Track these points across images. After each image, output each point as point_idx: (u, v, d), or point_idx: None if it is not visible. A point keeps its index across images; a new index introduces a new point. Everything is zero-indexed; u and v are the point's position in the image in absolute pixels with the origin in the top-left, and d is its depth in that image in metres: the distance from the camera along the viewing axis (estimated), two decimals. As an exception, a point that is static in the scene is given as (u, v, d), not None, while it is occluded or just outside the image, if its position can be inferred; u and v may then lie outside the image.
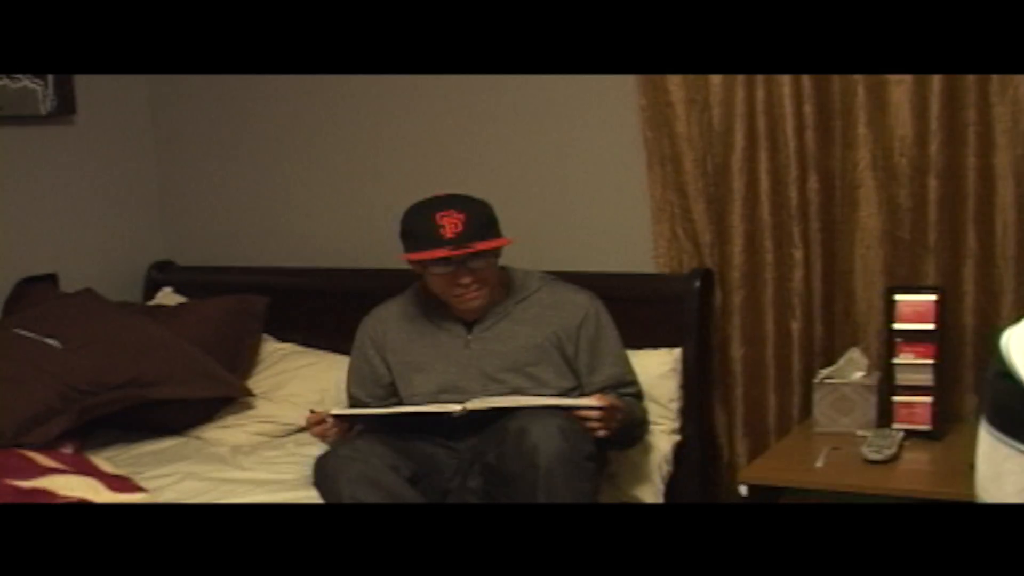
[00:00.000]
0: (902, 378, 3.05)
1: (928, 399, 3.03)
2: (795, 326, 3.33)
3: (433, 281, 2.99)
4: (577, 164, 3.61)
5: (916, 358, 3.03)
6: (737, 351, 3.40)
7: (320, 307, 3.88)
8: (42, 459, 2.95)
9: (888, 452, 2.89)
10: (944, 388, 3.08)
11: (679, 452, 3.31)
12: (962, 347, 3.15)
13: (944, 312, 3.04)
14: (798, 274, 3.30)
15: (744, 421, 3.43)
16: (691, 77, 3.32)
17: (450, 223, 2.89)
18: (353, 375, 3.18)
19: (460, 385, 2.98)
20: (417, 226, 2.95)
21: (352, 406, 3.14)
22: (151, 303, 4.05)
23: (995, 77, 3.02)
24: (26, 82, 3.80)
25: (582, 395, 3.00)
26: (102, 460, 3.11)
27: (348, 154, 3.98)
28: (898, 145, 3.15)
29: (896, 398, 3.06)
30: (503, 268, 3.07)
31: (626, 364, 3.09)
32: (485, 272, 2.96)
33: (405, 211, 3.01)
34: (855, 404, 3.11)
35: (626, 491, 3.20)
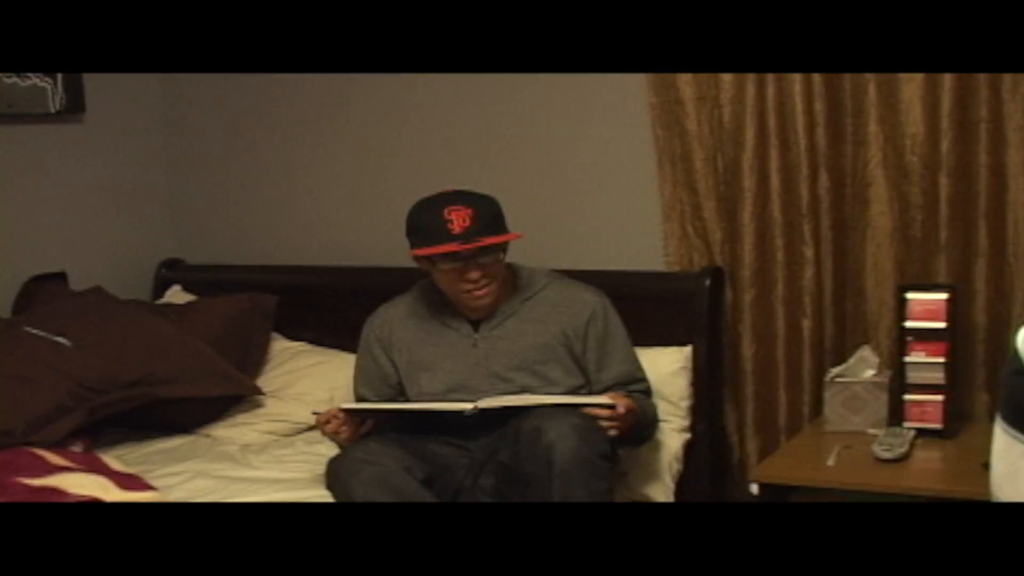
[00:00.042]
0: (913, 376, 3.04)
1: (939, 397, 3.02)
2: (806, 324, 3.32)
3: (441, 277, 2.98)
4: (587, 162, 3.61)
5: (927, 356, 3.02)
6: (748, 349, 3.40)
7: (330, 305, 3.87)
8: (52, 457, 2.95)
9: (900, 451, 2.88)
10: (956, 386, 3.07)
11: (690, 450, 3.31)
12: (973, 345, 3.14)
13: (955, 310, 3.03)
14: (809, 272, 3.29)
15: (755, 419, 3.42)
16: (702, 75, 3.32)
17: (458, 218, 2.88)
18: (360, 375, 3.17)
19: (468, 384, 2.97)
20: (425, 221, 2.94)
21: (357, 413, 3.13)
22: (160, 301, 4.05)
23: (1007, 74, 3.01)
24: (36, 80, 3.81)
25: (591, 393, 2.99)
26: (112, 458, 3.11)
27: (358, 152, 3.98)
28: (909, 143, 3.14)
29: (907, 396, 3.05)
30: (509, 265, 3.06)
31: (634, 361, 3.08)
32: (493, 267, 2.95)
33: (411, 207, 3.00)
34: (866, 402, 3.10)
35: (637, 489, 3.19)
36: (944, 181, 3.11)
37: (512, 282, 3.07)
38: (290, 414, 3.56)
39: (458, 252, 2.89)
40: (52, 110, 3.87)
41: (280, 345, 3.85)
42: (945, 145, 3.09)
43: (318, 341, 3.85)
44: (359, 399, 3.15)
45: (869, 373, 3.14)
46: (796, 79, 3.21)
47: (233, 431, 3.51)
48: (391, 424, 2.97)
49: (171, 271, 4.20)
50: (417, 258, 2.98)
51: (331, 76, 3.81)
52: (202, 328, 3.64)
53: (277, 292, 3.85)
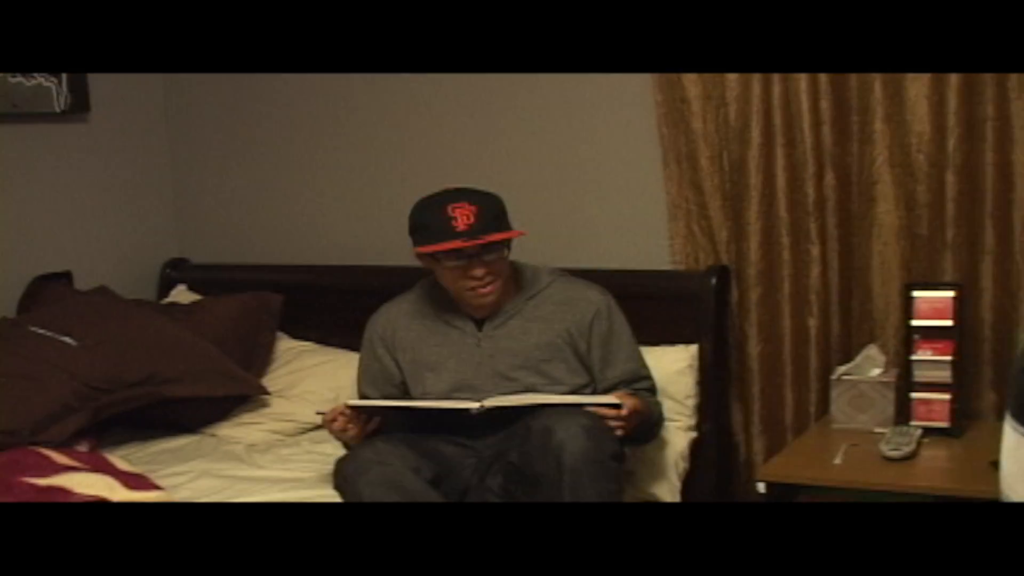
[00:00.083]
0: (920, 375, 3.03)
1: (946, 396, 3.02)
2: (812, 323, 3.31)
3: (445, 275, 2.97)
4: (593, 161, 3.60)
5: (934, 355, 3.01)
6: (754, 348, 3.39)
7: (335, 304, 3.87)
8: (58, 457, 2.95)
9: (907, 449, 2.88)
10: (962, 385, 3.07)
11: (696, 449, 3.30)
12: (980, 343, 3.14)
13: (962, 308, 3.03)
14: (815, 271, 3.29)
15: (761, 418, 3.42)
16: (707, 74, 3.31)
17: (462, 215, 2.87)
18: (364, 375, 3.16)
19: (473, 383, 2.97)
20: (428, 219, 2.93)
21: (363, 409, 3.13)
22: (165, 301, 4.05)
23: (1014, 73, 3.00)
24: (40, 80, 3.80)
25: (595, 391, 2.99)
26: (118, 458, 3.11)
27: (363, 151, 3.97)
28: (915, 141, 3.14)
29: (914, 395, 3.04)
30: (512, 264, 3.05)
31: (639, 358, 3.07)
32: (498, 265, 2.94)
33: (414, 205, 2.99)
34: (873, 401, 3.10)
35: (643, 488, 3.19)
36: (951, 179, 3.10)
37: (515, 281, 3.06)
38: (295, 413, 3.56)
39: (463, 249, 2.88)
40: (57, 110, 3.87)
41: (285, 344, 3.85)
42: (951, 143, 3.08)
43: (323, 340, 3.85)
44: (363, 399, 3.14)
45: (876, 372, 3.13)
46: (802, 77, 3.20)
47: (238, 430, 3.52)
48: (397, 422, 2.96)
49: (176, 271, 4.20)
50: (420, 256, 2.98)
51: (335, 76, 3.81)
52: (207, 327, 3.64)
53: (282, 291, 3.85)
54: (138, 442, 3.42)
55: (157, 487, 2.89)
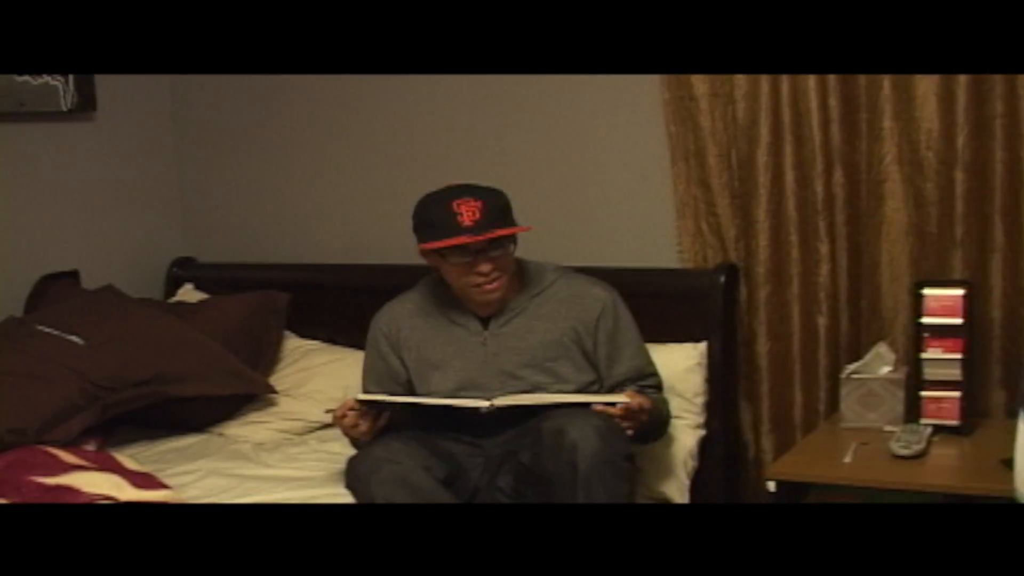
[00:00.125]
0: (930, 373, 3.02)
1: (956, 394, 3.00)
2: (821, 321, 3.31)
3: (450, 271, 2.95)
4: (601, 159, 3.59)
5: (944, 353, 3.00)
6: (763, 346, 3.38)
7: (343, 303, 3.86)
8: (66, 456, 2.95)
9: (916, 447, 2.87)
10: (972, 383, 3.05)
11: (704, 447, 3.30)
12: (990, 341, 3.13)
13: (972, 306, 3.02)
14: (824, 269, 3.28)
15: (770, 416, 3.41)
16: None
17: (467, 210, 2.86)
18: (370, 374, 3.14)
19: (479, 382, 2.96)
20: (433, 215, 2.91)
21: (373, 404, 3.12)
22: (172, 300, 4.05)
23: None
24: (47, 79, 3.80)
25: (601, 388, 2.98)
26: (125, 457, 3.11)
27: (370, 150, 3.97)
28: (924, 139, 3.13)
29: (924, 393, 3.03)
30: (516, 261, 3.03)
31: (645, 355, 3.06)
32: (504, 260, 2.92)
33: (419, 201, 2.97)
34: (882, 399, 3.09)
35: (651, 486, 3.18)
36: (960, 176, 3.09)
37: (519, 278, 3.04)
38: (303, 412, 3.56)
39: (469, 245, 2.86)
40: (63, 109, 3.87)
41: (292, 343, 3.85)
42: (961, 140, 3.07)
43: (331, 339, 3.85)
44: (370, 398, 3.14)
45: (885, 370, 3.12)
46: (810, 75, 3.19)
47: (246, 429, 3.51)
48: (406, 419, 2.95)
49: (183, 269, 4.20)
50: (425, 252, 2.96)
51: (341, 76, 3.80)
52: (214, 326, 3.64)
53: (289, 290, 3.85)
54: (145, 441, 3.42)
55: (165, 486, 2.89)
